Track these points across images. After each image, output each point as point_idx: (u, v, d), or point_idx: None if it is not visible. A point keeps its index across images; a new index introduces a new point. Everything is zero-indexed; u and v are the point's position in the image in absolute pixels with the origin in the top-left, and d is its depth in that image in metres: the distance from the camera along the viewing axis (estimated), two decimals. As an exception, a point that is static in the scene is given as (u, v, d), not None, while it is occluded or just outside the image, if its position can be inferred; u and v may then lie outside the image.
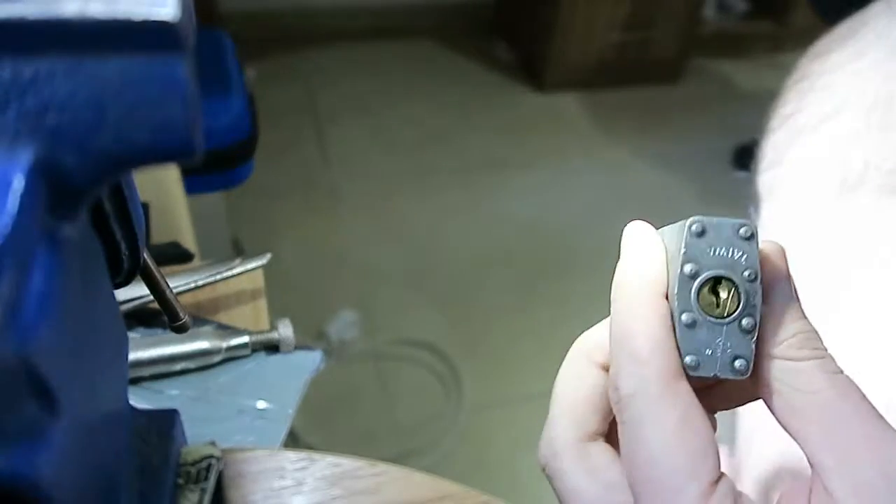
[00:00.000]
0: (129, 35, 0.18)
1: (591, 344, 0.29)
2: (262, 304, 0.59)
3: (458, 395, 1.38)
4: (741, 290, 0.25)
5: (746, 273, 0.26)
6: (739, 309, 0.25)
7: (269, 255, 0.58)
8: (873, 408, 0.24)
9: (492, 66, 2.23)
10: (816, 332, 0.26)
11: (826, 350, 0.25)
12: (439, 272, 1.61)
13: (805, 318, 0.26)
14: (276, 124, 1.80)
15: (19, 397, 0.17)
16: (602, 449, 0.27)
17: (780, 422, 0.25)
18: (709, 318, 0.26)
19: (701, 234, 0.26)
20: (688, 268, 0.26)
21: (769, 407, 0.25)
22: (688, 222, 0.26)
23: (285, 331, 0.54)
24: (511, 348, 1.46)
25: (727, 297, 0.26)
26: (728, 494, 0.24)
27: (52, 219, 0.19)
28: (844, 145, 0.44)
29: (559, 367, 0.31)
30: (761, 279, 0.26)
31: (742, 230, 0.26)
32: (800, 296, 0.26)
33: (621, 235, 0.28)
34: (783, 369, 0.25)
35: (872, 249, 0.40)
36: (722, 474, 0.24)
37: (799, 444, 0.25)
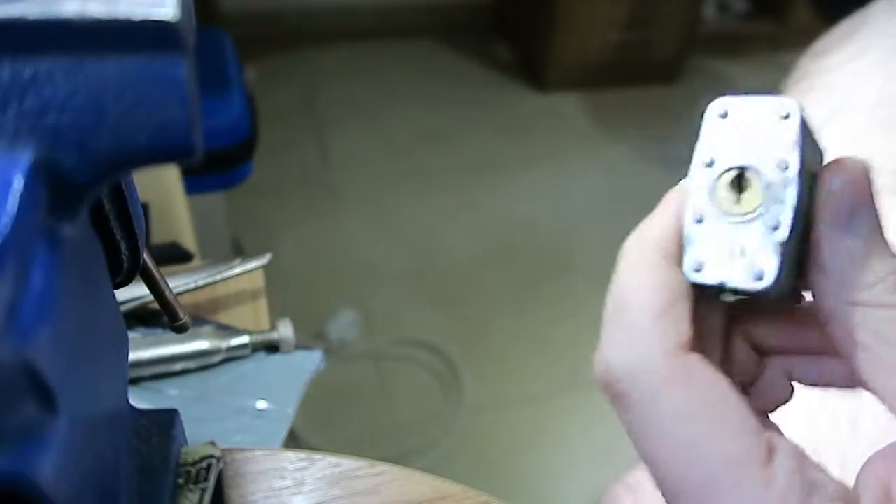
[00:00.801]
0: (129, 35, 0.18)
1: (658, 236, 0.22)
2: (262, 304, 0.59)
3: (457, 395, 1.38)
4: (763, 181, 0.20)
5: (775, 162, 0.20)
6: (762, 204, 0.20)
7: (269, 255, 0.58)
8: None
9: (492, 66, 2.23)
10: None
11: None
12: (439, 272, 1.61)
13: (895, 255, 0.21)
14: (276, 124, 1.80)
15: (19, 397, 0.17)
16: (705, 369, 0.20)
17: (865, 381, 0.21)
18: (723, 213, 0.20)
19: (725, 115, 0.21)
20: (704, 156, 0.21)
21: (853, 363, 0.21)
22: (711, 103, 0.21)
23: (285, 331, 0.54)
24: (511, 348, 1.46)
25: (752, 192, 0.20)
26: (793, 477, 0.19)
27: (52, 219, 0.19)
28: (847, 146, 0.44)
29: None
30: (802, 171, 0.20)
31: (778, 108, 0.20)
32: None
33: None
34: (872, 318, 0.21)
35: None
36: (777, 446, 0.19)
37: (891, 407, 0.21)
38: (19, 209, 0.17)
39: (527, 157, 1.92)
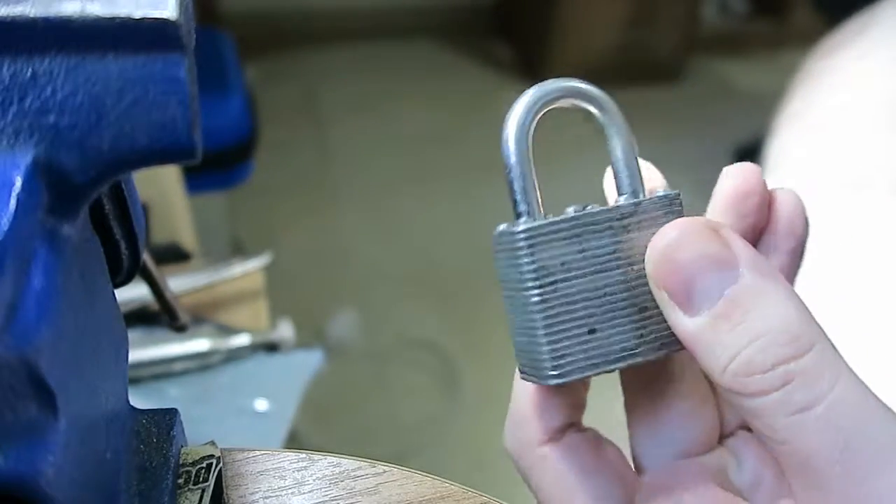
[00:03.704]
0: (128, 35, 0.18)
1: None
2: (262, 304, 0.59)
3: (458, 395, 1.38)
4: None
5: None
6: None
7: (269, 255, 0.58)
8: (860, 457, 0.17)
9: (492, 66, 2.23)
10: (793, 329, 0.18)
11: (802, 356, 0.18)
12: (439, 272, 1.61)
13: (757, 317, 0.18)
14: (276, 124, 1.79)
15: (19, 397, 0.17)
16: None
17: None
18: None
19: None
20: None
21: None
22: None
23: (285, 331, 0.54)
24: (511, 348, 1.46)
25: None
26: None
27: (52, 219, 0.19)
28: (852, 145, 0.44)
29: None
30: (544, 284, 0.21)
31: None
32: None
33: None
34: (735, 402, 0.19)
35: (881, 250, 0.40)
36: None
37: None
38: (19, 209, 0.17)
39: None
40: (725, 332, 0.18)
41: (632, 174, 0.23)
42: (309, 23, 2.21)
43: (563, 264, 0.21)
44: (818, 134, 0.46)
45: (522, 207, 0.22)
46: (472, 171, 1.88)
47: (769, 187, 0.24)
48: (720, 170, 0.25)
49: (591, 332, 0.21)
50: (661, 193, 0.22)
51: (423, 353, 1.44)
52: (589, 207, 0.22)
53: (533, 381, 0.22)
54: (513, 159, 0.22)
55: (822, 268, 0.33)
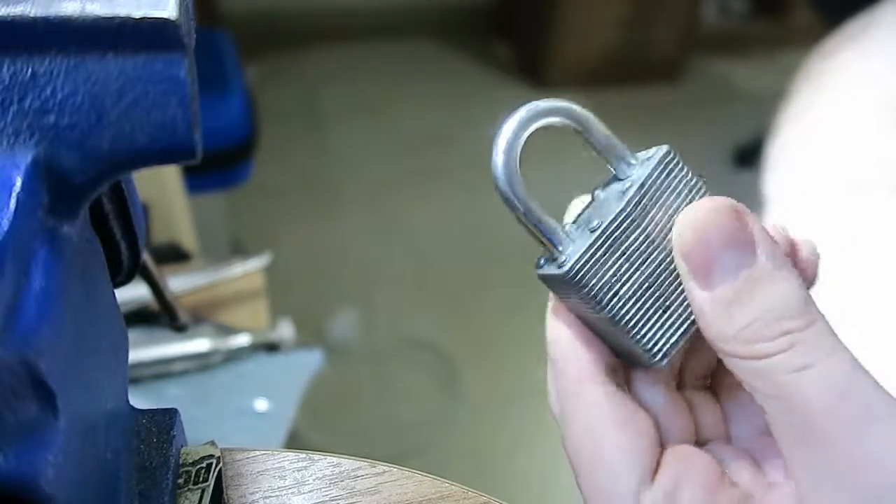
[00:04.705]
0: (129, 35, 0.18)
1: None
2: (262, 304, 0.59)
3: (458, 394, 1.38)
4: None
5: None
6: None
7: (269, 255, 0.58)
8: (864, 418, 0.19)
9: (492, 65, 2.22)
10: (796, 303, 0.20)
11: (810, 324, 0.20)
12: (439, 272, 1.61)
13: (767, 289, 0.20)
14: (276, 124, 1.80)
15: (19, 398, 0.17)
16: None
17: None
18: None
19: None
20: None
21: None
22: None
23: (285, 331, 0.54)
24: (511, 348, 1.46)
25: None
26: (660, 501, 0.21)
27: (52, 219, 0.19)
28: (855, 145, 0.44)
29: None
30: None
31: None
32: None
33: None
34: (738, 369, 0.21)
35: (882, 249, 0.40)
36: (661, 471, 0.22)
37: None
38: (19, 209, 0.17)
39: (526, 156, 1.92)
40: (738, 307, 0.20)
41: (618, 152, 0.24)
42: (309, 23, 2.21)
43: (615, 276, 0.22)
44: (819, 134, 0.47)
45: (550, 243, 0.23)
46: (472, 171, 1.88)
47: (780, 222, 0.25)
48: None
49: (665, 310, 0.22)
50: (653, 160, 0.23)
51: (423, 353, 1.44)
52: (597, 194, 0.24)
53: (642, 366, 0.24)
54: (516, 202, 0.24)
55: (822, 267, 0.34)
